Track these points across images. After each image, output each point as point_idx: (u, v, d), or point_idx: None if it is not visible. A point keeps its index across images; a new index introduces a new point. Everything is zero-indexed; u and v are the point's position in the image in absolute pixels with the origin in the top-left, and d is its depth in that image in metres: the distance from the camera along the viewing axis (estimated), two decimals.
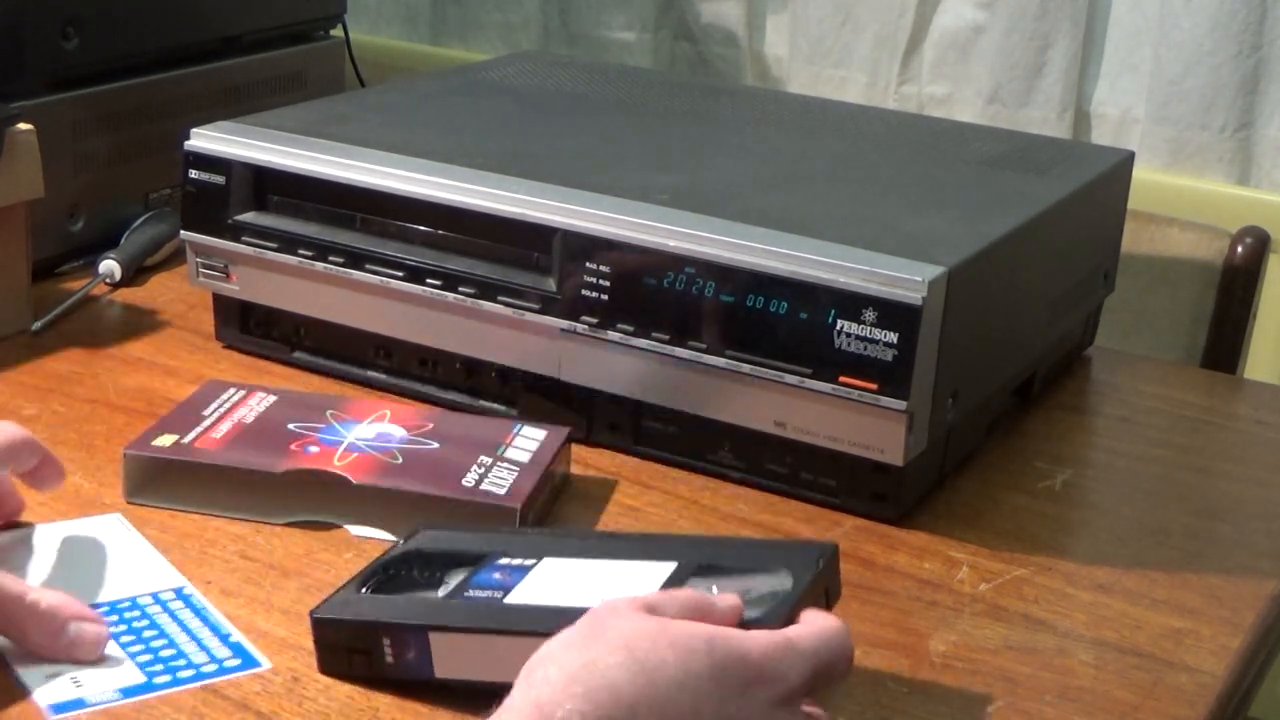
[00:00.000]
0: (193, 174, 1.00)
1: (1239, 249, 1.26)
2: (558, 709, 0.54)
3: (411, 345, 0.97)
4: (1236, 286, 1.26)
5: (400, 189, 0.94)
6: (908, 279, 0.81)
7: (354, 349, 0.99)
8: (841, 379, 0.83)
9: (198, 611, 0.73)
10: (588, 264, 0.89)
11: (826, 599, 0.69)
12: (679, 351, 0.87)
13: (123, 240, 1.17)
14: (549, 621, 0.62)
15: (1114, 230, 1.12)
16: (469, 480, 0.81)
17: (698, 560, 0.69)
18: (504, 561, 0.71)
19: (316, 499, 0.82)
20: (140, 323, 1.08)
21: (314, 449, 0.83)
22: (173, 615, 0.73)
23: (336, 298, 0.98)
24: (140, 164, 1.23)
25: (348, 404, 0.90)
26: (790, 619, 0.64)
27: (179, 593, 0.75)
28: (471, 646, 0.66)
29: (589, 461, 0.91)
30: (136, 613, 0.73)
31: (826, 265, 0.83)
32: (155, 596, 0.74)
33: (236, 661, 0.70)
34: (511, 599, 0.68)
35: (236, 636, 0.71)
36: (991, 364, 0.93)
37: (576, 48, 1.83)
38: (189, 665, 0.69)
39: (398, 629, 0.68)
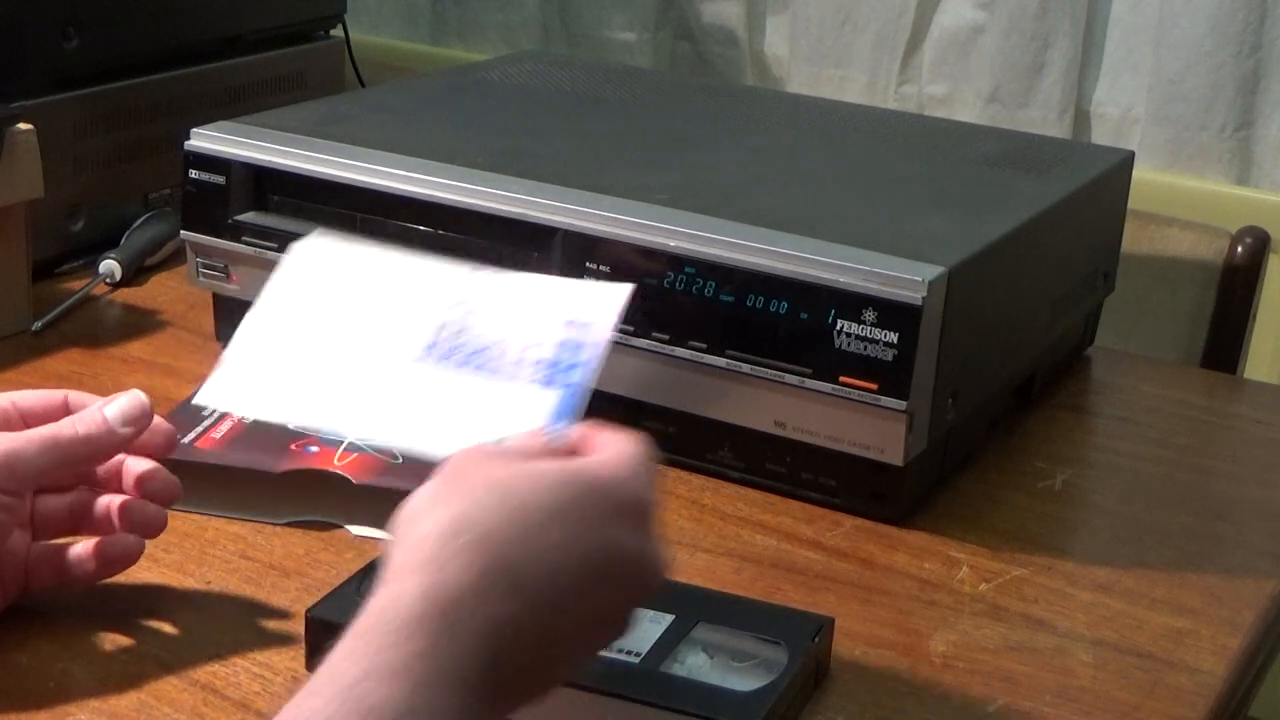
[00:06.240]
0: (193, 174, 1.00)
1: (1239, 249, 1.26)
2: (448, 563, 0.54)
3: None
4: (1236, 286, 1.26)
5: (400, 189, 0.94)
6: (908, 279, 0.81)
7: None
8: (841, 379, 0.83)
9: None
10: (588, 264, 0.89)
11: (817, 671, 0.71)
12: (679, 351, 0.87)
13: (123, 240, 1.17)
14: None
15: (1114, 230, 1.12)
16: None
17: (697, 615, 0.70)
18: None
19: (316, 499, 0.82)
20: (140, 323, 1.08)
21: (314, 449, 0.83)
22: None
23: None
24: (140, 164, 1.23)
25: None
26: (782, 695, 0.65)
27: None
28: None
29: None
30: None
31: (826, 265, 0.83)
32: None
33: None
34: None
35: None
36: (991, 364, 0.93)
37: (576, 48, 1.83)
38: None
39: None
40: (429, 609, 0.52)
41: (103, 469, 0.74)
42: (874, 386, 0.82)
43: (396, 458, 0.83)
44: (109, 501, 0.73)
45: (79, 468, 0.72)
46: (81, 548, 0.73)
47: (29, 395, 0.73)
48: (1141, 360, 1.16)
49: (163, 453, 0.74)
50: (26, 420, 0.72)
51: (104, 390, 0.96)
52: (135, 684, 0.68)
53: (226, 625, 0.73)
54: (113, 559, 0.73)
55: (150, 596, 0.75)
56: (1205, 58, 1.47)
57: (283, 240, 0.98)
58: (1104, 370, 1.12)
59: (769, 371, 0.85)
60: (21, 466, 0.68)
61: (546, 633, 0.55)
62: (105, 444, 0.70)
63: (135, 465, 0.73)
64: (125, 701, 0.67)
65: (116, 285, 1.14)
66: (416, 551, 0.54)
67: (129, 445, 0.72)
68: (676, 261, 0.86)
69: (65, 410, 0.72)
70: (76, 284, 1.13)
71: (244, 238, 0.99)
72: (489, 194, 0.92)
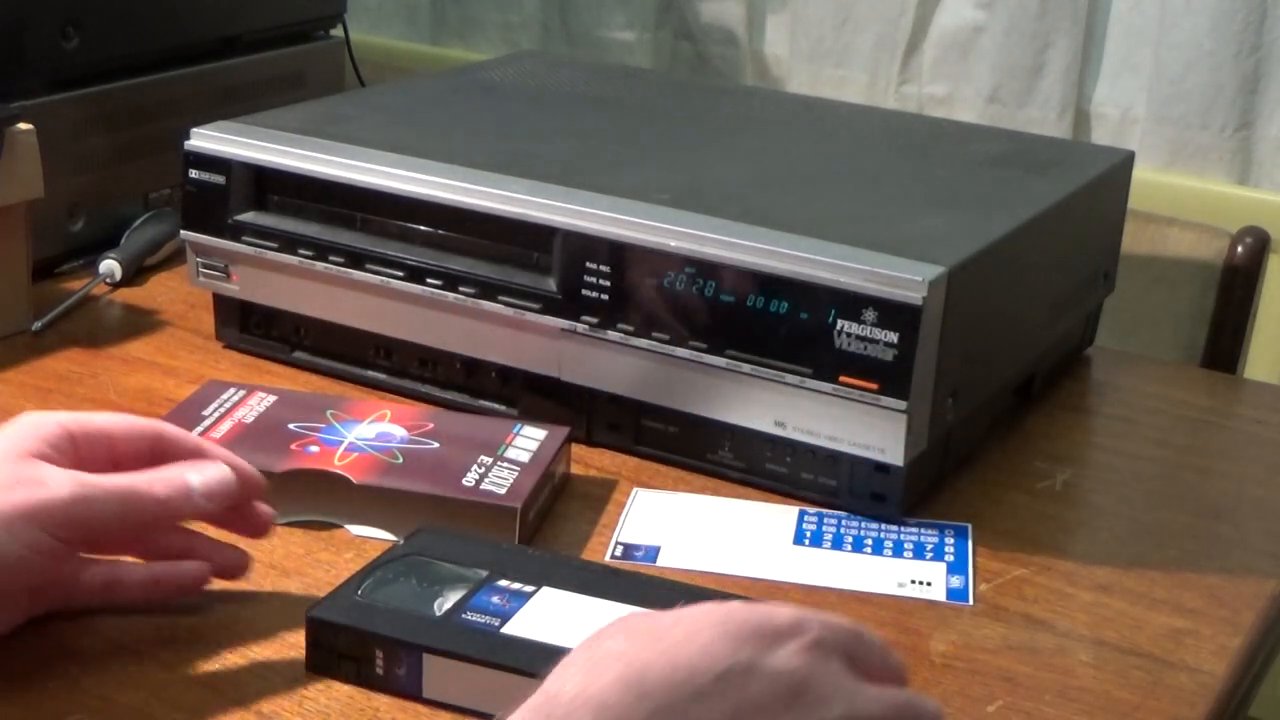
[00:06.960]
0: (193, 174, 1.00)
1: (1239, 249, 1.26)
2: (563, 685, 0.53)
3: (411, 345, 0.97)
4: (1236, 286, 1.26)
5: (400, 189, 0.94)
6: (908, 279, 0.81)
7: (354, 349, 0.99)
8: (841, 379, 0.83)
9: None
10: (588, 264, 0.89)
11: None
12: (679, 351, 0.87)
13: (123, 240, 1.17)
14: (544, 661, 0.63)
15: (1114, 230, 1.12)
16: (469, 480, 0.81)
17: None
18: (503, 584, 0.71)
19: (316, 499, 0.82)
20: (140, 323, 1.08)
21: (314, 449, 0.83)
22: None
23: (336, 298, 0.98)
24: (140, 164, 1.23)
25: (348, 404, 0.90)
26: None
27: None
28: (464, 674, 0.66)
29: (589, 461, 0.91)
30: None
31: (827, 265, 0.83)
32: None
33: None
34: (508, 629, 0.68)
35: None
36: (991, 364, 0.93)
37: (576, 48, 1.83)
38: None
39: (393, 643, 0.67)
40: (538, 698, 0.53)
41: None
42: (874, 386, 0.82)
43: (397, 457, 0.83)
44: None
45: (145, 528, 0.72)
46: (142, 571, 0.72)
47: (120, 424, 0.71)
48: (1141, 360, 1.16)
49: (254, 535, 0.74)
50: (116, 458, 0.70)
51: (104, 390, 0.96)
52: (135, 684, 0.68)
53: (226, 625, 0.73)
54: (169, 590, 0.73)
55: None
56: (1205, 58, 1.47)
57: (283, 240, 0.98)
58: (1104, 370, 1.12)
59: (769, 371, 0.85)
60: (82, 514, 0.66)
61: None
62: (180, 512, 0.70)
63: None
64: (125, 701, 0.67)
65: (116, 285, 1.14)
66: (543, 685, 0.54)
67: (222, 519, 0.72)
68: (676, 261, 0.86)
69: (156, 446, 0.71)
70: (76, 284, 1.13)
71: (244, 238, 0.99)
72: (489, 194, 0.92)
